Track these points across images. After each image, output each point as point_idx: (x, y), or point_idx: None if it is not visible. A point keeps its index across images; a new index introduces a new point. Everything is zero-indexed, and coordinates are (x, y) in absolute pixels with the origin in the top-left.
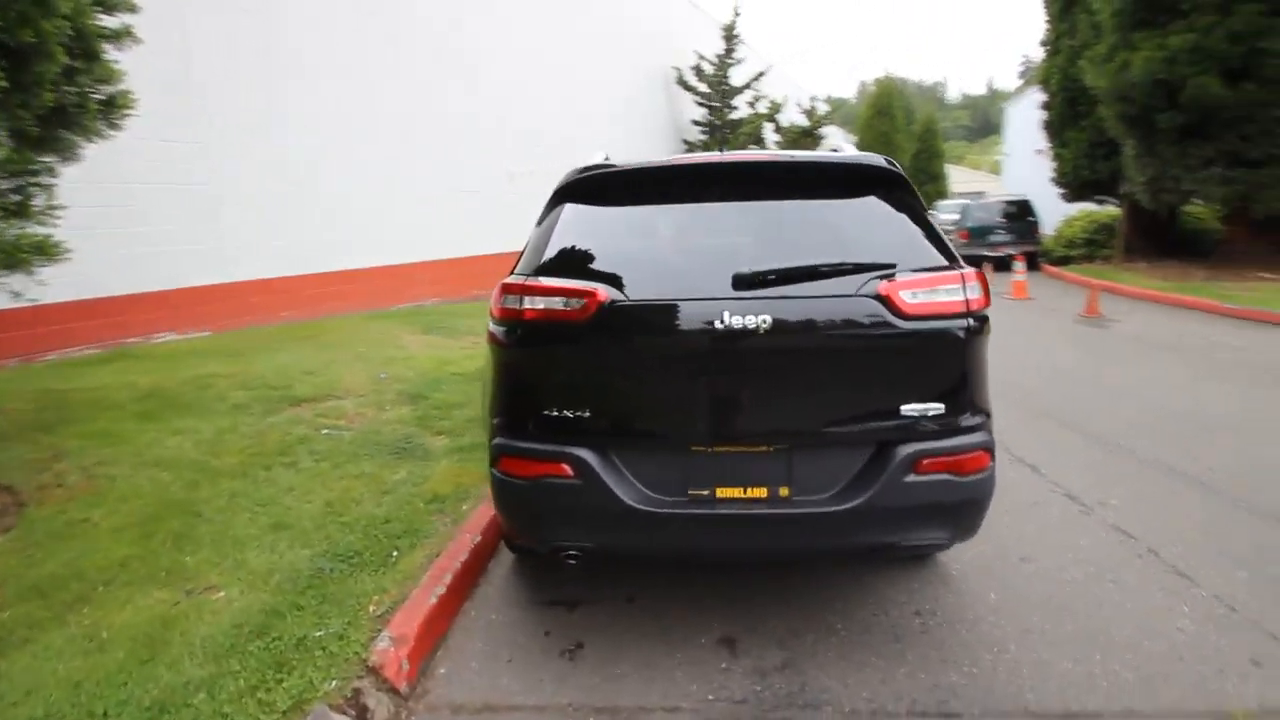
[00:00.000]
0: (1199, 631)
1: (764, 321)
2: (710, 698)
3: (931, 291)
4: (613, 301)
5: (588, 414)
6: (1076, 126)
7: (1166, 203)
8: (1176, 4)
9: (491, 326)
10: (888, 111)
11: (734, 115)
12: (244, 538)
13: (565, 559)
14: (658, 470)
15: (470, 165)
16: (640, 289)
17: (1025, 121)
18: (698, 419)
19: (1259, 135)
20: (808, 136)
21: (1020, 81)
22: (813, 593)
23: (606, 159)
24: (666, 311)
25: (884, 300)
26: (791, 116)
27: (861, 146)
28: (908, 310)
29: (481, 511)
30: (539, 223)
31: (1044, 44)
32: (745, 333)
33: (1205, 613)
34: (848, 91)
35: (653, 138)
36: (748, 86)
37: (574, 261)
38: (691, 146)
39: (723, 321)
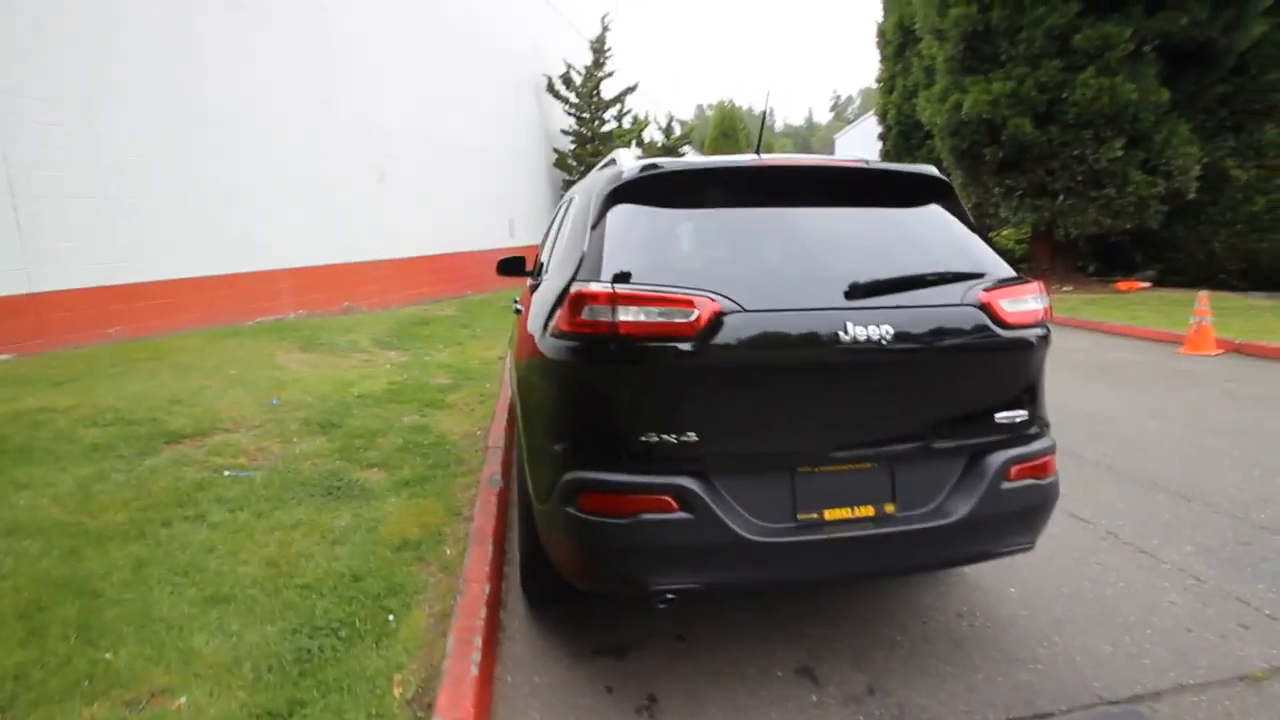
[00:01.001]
0: (1187, 603)
1: (886, 332)
2: None
3: (1022, 300)
4: (727, 312)
5: (694, 438)
6: (911, 157)
7: (987, 226)
8: (997, 54)
9: (553, 342)
10: (732, 134)
11: (605, 129)
12: (176, 619)
13: (658, 603)
14: (764, 495)
15: (336, 163)
16: (750, 299)
17: (853, 151)
18: (808, 437)
19: (1060, 170)
20: (669, 154)
21: (831, 115)
22: (853, 608)
23: (640, 158)
24: (784, 323)
25: (986, 309)
26: (650, 134)
27: None
28: (1007, 319)
29: (477, 555)
30: (593, 225)
31: (879, 82)
32: (867, 344)
33: (1181, 585)
34: (686, 113)
35: (528, 143)
36: (618, 100)
37: (653, 268)
38: (561, 155)
39: (846, 332)
